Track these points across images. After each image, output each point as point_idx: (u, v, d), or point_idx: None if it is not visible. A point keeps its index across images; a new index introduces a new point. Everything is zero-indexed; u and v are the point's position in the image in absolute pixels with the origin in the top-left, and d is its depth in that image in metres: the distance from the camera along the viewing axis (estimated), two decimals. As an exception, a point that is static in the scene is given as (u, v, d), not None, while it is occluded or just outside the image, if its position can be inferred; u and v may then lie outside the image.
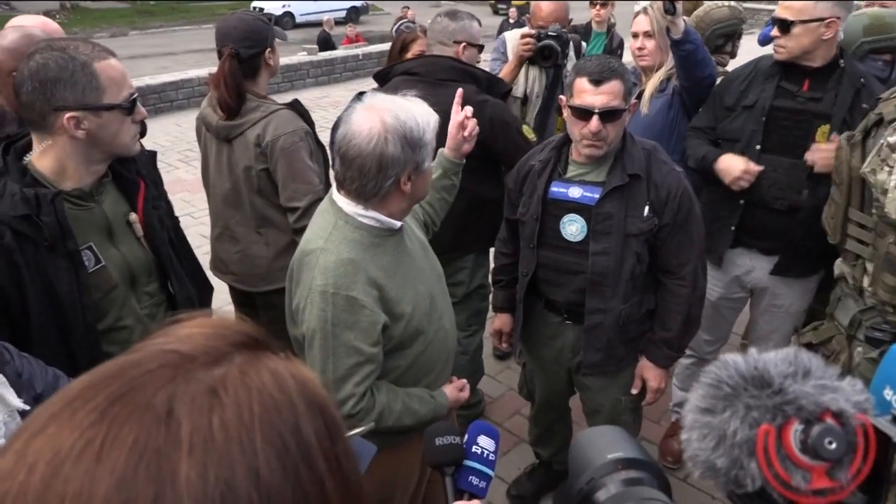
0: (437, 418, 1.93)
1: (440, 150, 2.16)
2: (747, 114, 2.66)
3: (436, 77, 2.74)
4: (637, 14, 3.14)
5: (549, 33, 3.21)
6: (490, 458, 1.49)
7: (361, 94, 1.90)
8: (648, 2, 3.08)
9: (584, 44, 4.16)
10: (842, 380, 0.77)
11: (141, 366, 0.47)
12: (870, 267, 2.21)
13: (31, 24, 2.45)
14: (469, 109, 2.15)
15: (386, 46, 13.02)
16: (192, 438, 0.43)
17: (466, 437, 1.49)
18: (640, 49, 3.10)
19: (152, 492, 0.41)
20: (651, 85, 3.09)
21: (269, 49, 2.62)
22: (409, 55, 3.30)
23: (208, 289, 2.24)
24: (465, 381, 2.10)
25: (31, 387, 1.30)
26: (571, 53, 4.02)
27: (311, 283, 1.74)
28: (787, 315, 2.88)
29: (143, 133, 1.92)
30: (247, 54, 2.56)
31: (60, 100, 1.62)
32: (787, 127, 2.60)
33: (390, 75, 2.90)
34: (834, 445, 0.73)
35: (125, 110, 1.72)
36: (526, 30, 3.44)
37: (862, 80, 2.55)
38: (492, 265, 2.80)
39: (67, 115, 1.63)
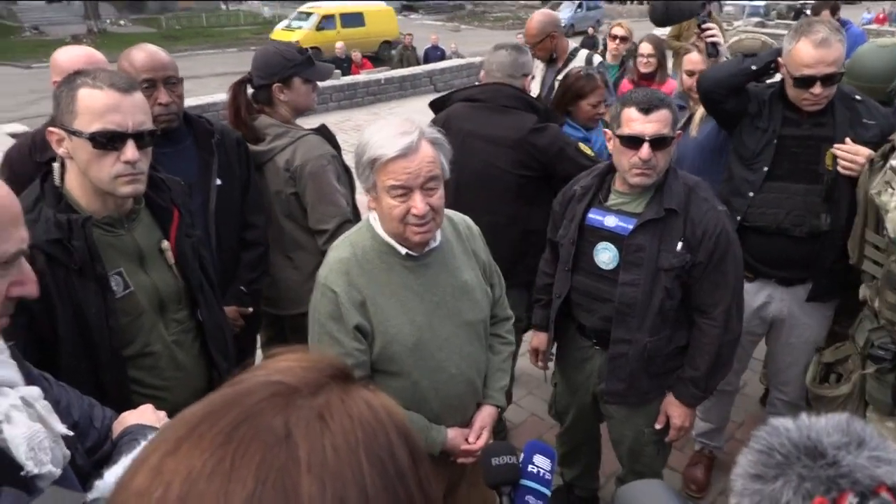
0: (426, 450, 1.91)
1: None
2: (760, 134, 2.68)
3: (499, 103, 2.80)
4: (687, 52, 3.52)
5: None
6: (546, 477, 1.52)
7: None
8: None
9: (596, 56, 4.28)
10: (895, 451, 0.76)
11: (254, 394, 0.53)
12: (880, 286, 2.22)
13: (77, 54, 2.50)
14: (477, 441, 2.04)
15: (409, 71, 13.22)
16: (310, 458, 0.48)
17: (522, 456, 1.50)
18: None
19: None
20: (702, 109, 3.20)
21: (278, 84, 2.65)
22: (586, 104, 3.25)
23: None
24: (478, 432, 2.03)
25: (69, 414, 1.32)
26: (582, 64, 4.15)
27: (319, 272, 1.90)
28: (806, 345, 2.86)
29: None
30: (257, 83, 2.68)
31: (55, 117, 1.71)
32: (797, 153, 2.62)
33: (449, 102, 2.94)
34: None
35: (92, 142, 1.64)
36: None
37: (853, 97, 2.60)
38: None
39: (50, 128, 1.70)
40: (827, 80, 2.46)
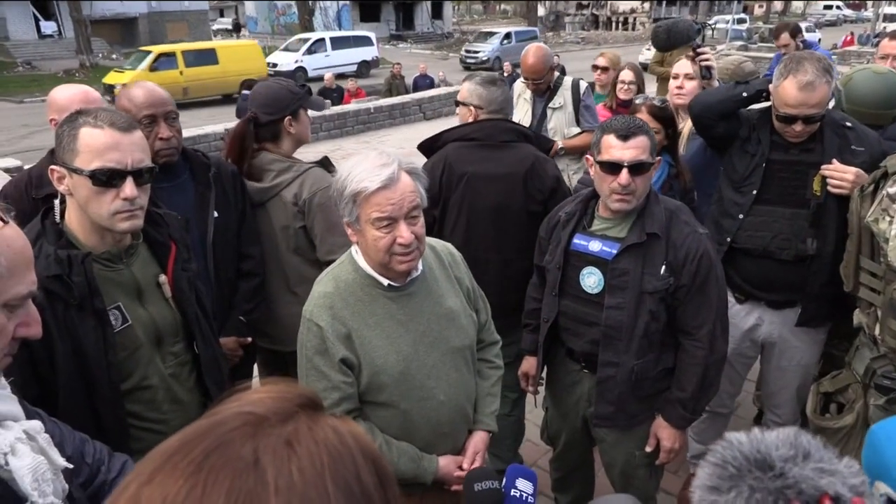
0: (417, 480, 1.93)
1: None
2: (749, 158, 2.71)
3: (499, 139, 2.81)
4: (679, 59, 3.57)
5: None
6: (529, 500, 1.54)
7: None
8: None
9: (582, 82, 4.43)
10: (839, 462, 0.81)
11: (226, 424, 0.56)
12: (881, 314, 2.22)
13: (73, 93, 2.57)
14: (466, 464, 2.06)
15: (398, 99, 13.36)
16: (277, 482, 0.52)
17: (504, 480, 1.52)
18: (679, 88, 3.46)
19: None
20: (689, 126, 3.25)
21: (289, 118, 2.70)
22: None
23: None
24: (472, 458, 2.04)
25: (62, 450, 1.33)
26: (569, 94, 4.27)
27: (305, 307, 1.92)
28: (798, 368, 2.88)
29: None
30: (265, 119, 2.69)
31: (56, 155, 1.75)
32: (785, 178, 2.65)
33: (438, 143, 2.92)
34: None
35: (92, 179, 1.68)
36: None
37: (843, 124, 2.62)
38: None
39: (52, 166, 1.75)
40: (808, 119, 2.50)
